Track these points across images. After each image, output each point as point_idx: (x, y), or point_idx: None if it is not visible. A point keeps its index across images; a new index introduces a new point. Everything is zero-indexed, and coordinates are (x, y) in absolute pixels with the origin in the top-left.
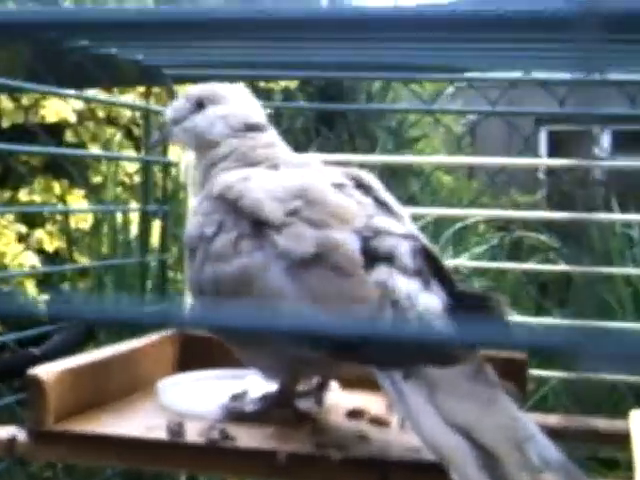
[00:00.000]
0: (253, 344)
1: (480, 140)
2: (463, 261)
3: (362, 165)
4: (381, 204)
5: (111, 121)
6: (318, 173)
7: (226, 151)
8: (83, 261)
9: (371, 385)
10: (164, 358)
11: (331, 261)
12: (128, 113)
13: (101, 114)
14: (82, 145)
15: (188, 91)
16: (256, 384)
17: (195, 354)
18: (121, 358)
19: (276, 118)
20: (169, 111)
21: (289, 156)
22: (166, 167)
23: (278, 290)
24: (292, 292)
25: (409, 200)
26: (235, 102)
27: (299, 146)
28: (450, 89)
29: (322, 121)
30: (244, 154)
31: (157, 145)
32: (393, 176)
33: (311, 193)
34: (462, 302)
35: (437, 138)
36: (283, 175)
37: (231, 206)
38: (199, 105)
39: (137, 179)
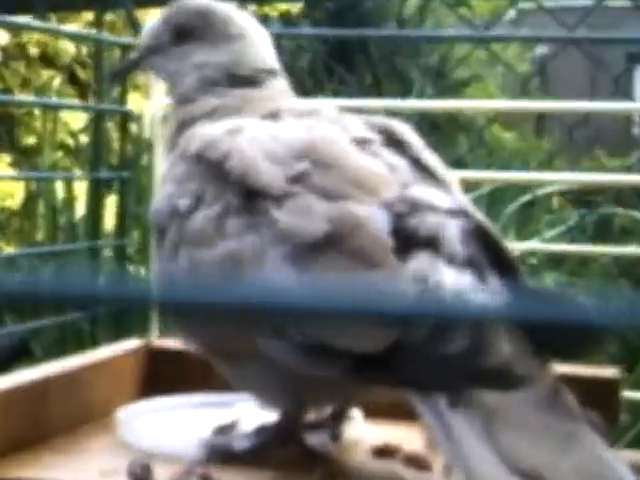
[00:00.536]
0: (244, 357)
1: (554, 82)
2: (531, 244)
3: (391, 114)
4: (420, 167)
5: (48, 61)
6: (333, 124)
7: (203, 110)
8: (11, 250)
9: (406, 414)
10: (125, 379)
11: (350, 245)
12: (70, 49)
13: (34, 51)
14: (8, 92)
15: (169, 11)
16: (249, 413)
17: (166, 374)
18: (67, 378)
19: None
20: (145, 36)
21: (293, 103)
22: (124, 120)
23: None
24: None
25: (456, 164)
26: (230, 37)
27: (305, 93)
28: (511, 12)
29: (337, 59)
30: (232, 109)
31: (120, 76)
32: (434, 132)
33: (323, 151)
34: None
35: (494, 80)
36: (285, 127)
37: (214, 169)
38: (178, 35)
39: (84, 140)
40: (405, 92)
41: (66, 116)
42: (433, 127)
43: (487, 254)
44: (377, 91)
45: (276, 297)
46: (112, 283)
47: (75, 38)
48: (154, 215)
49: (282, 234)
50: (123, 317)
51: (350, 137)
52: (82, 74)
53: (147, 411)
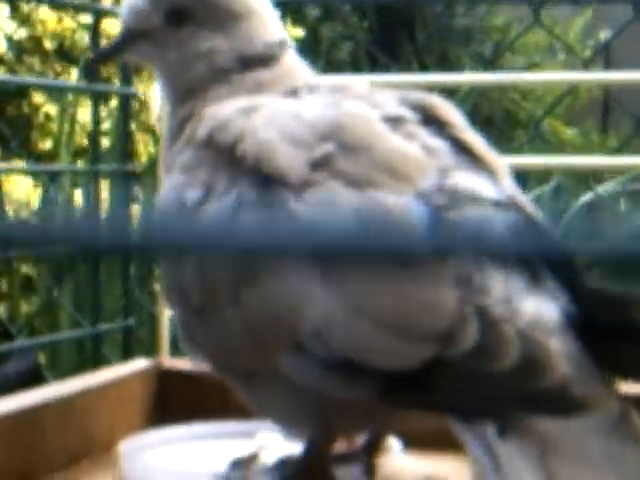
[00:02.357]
0: (264, 377)
1: (619, 67)
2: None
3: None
4: (463, 150)
5: (64, 55)
6: (361, 100)
7: (211, 101)
8: (25, 270)
9: (451, 443)
10: (131, 405)
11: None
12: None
13: (49, 45)
14: (23, 90)
15: None
16: (271, 444)
17: (178, 399)
18: (64, 405)
19: (309, 41)
20: (129, 16)
21: (316, 79)
22: (126, 101)
23: (298, 288)
24: (319, 292)
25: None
26: (236, 16)
27: None
28: None
29: (380, 47)
30: (246, 94)
31: (104, 61)
32: (488, 128)
33: (350, 132)
34: (594, 311)
35: (554, 69)
36: (307, 104)
37: (226, 155)
38: (173, 17)
39: (106, 143)
40: None
41: (85, 117)
42: (487, 123)
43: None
44: None
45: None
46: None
47: (71, 8)
48: (160, 210)
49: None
50: (129, 333)
51: (381, 115)
52: (104, 70)
53: (155, 443)
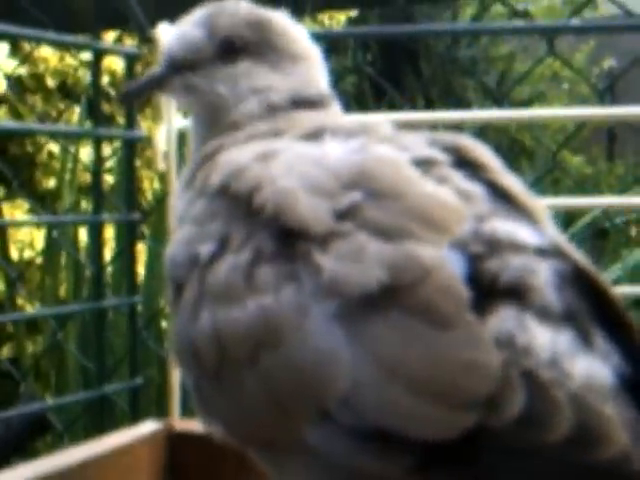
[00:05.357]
0: (286, 447)
1: (625, 99)
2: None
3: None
4: (500, 194)
5: (66, 93)
6: (388, 143)
7: (246, 134)
8: (30, 310)
9: None
10: (139, 475)
11: (414, 299)
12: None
13: (51, 82)
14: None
15: (211, 19)
16: None
17: (190, 466)
18: (67, 478)
19: None
20: (176, 44)
21: (340, 121)
22: (129, 146)
23: (324, 349)
24: (347, 353)
25: None
26: (295, 56)
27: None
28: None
29: (385, 80)
30: (273, 132)
31: (140, 96)
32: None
33: (378, 178)
34: None
35: (559, 100)
36: (330, 149)
37: (241, 205)
38: (228, 49)
39: (110, 180)
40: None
41: (89, 155)
42: (494, 153)
43: (590, 305)
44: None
45: None
46: None
47: (73, 47)
48: (169, 265)
49: (328, 286)
50: (138, 392)
51: (410, 158)
52: (106, 107)
53: None
